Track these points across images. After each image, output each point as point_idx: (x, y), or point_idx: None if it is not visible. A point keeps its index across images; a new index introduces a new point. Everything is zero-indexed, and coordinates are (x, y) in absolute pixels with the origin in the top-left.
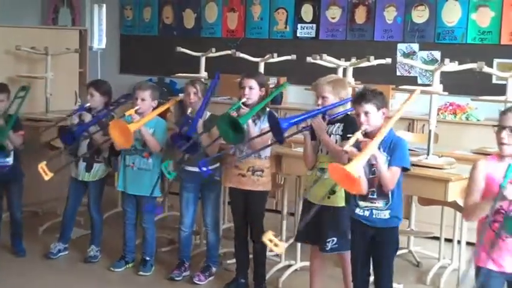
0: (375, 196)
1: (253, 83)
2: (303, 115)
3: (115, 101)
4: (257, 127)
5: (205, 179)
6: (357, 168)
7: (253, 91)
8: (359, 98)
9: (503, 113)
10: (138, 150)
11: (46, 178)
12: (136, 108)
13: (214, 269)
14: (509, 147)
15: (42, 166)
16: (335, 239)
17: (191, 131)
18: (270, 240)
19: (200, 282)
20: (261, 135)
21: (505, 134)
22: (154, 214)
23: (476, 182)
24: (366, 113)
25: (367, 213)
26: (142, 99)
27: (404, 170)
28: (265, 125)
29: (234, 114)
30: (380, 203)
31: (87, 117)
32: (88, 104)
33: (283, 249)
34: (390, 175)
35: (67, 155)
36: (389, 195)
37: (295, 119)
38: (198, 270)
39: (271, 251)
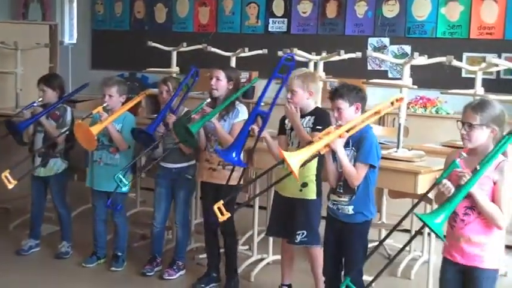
0: (342, 190)
1: (220, 74)
2: (241, 135)
3: (68, 93)
4: (226, 123)
5: (178, 175)
6: (297, 159)
7: (220, 83)
8: (332, 94)
9: (463, 109)
10: (105, 146)
11: (10, 187)
12: (104, 105)
13: (181, 263)
14: (469, 142)
15: (5, 175)
16: (305, 232)
17: (151, 127)
18: (218, 208)
19: (170, 277)
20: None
21: (463, 129)
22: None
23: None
24: (338, 109)
25: (334, 207)
26: (110, 96)
27: (372, 167)
28: (236, 120)
29: (197, 116)
30: (345, 198)
31: (39, 111)
32: (40, 99)
33: (225, 218)
34: (354, 171)
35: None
36: (355, 191)
37: (237, 145)
38: (167, 266)
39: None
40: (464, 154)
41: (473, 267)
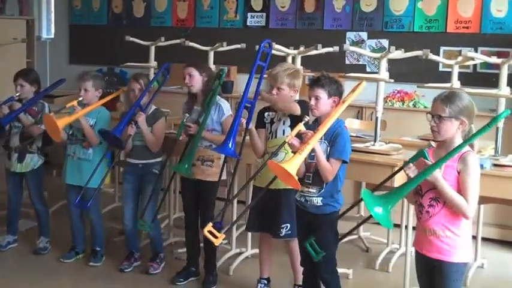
0: (310, 181)
1: (191, 70)
2: (234, 125)
3: (45, 89)
4: (210, 120)
5: (145, 171)
6: (294, 166)
7: (194, 78)
8: (313, 82)
9: (433, 101)
10: (78, 140)
11: None
12: (80, 99)
13: (162, 255)
14: (439, 134)
15: None
16: (289, 225)
17: (118, 130)
18: (210, 232)
19: (156, 271)
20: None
21: (433, 122)
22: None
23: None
24: (317, 98)
25: (302, 198)
26: (85, 90)
27: (344, 162)
28: (223, 117)
29: (183, 137)
30: (313, 189)
31: (17, 107)
32: (17, 94)
33: (220, 241)
34: (329, 166)
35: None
36: (323, 183)
37: (231, 137)
38: (148, 260)
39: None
40: (433, 144)
41: (440, 260)
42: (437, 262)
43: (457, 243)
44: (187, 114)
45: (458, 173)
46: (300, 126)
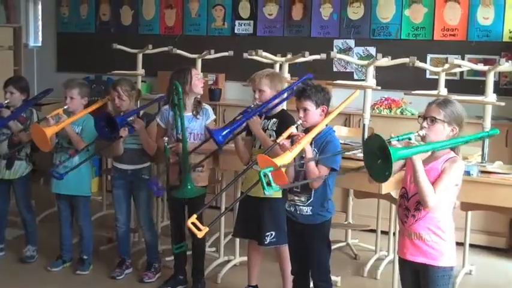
0: (299, 189)
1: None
2: (238, 122)
3: (33, 97)
4: (198, 123)
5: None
6: (283, 161)
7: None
8: (299, 93)
9: (428, 104)
10: (64, 148)
11: None
12: (65, 107)
13: (157, 265)
14: (429, 137)
15: None
16: (273, 232)
17: (119, 117)
18: (193, 223)
19: (150, 280)
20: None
21: (425, 123)
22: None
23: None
24: (305, 109)
25: (292, 208)
26: (71, 98)
27: (333, 170)
28: (208, 121)
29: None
30: (302, 198)
31: (6, 114)
32: (6, 101)
33: (204, 233)
34: (316, 171)
35: None
36: (312, 192)
37: (230, 128)
38: (139, 267)
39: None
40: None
41: (425, 265)
42: (422, 267)
43: (442, 247)
44: (165, 138)
45: (441, 172)
46: (292, 129)
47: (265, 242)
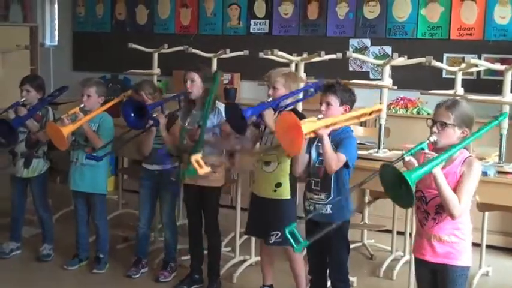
0: (318, 188)
1: (193, 75)
2: (261, 106)
3: (49, 95)
4: (209, 123)
5: (162, 177)
6: (308, 126)
7: (195, 84)
8: (326, 88)
9: (436, 107)
10: (81, 146)
11: None
12: (81, 105)
13: (173, 264)
14: (440, 142)
15: None
16: (279, 232)
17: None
18: (197, 161)
19: (166, 279)
20: None
21: (435, 128)
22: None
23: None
24: (328, 104)
25: (311, 207)
26: (88, 96)
27: (346, 167)
28: (221, 118)
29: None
30: (322, 196)
31: (23, 112)
32: (23, 100)
33: (205, 171)
34: (335, 156)
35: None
36: (331, 189)
37: (254, 108)
38: (154, 267)
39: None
40: (435, 137)
41: (444, 265)
42: (441, 267)
43: (461, 246)
44: (188, 119)
45: (460, 176)
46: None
47: (270, 242)
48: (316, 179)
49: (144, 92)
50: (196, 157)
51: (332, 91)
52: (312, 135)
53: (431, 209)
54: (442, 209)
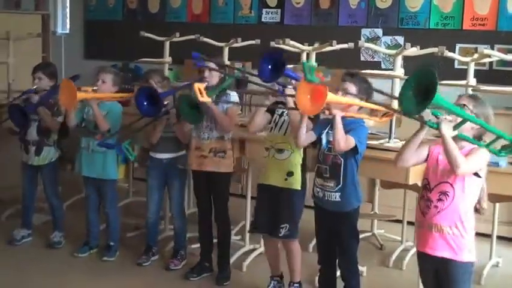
0: (328, 174)
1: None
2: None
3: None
4: (219, 106)
5: (170, 166)
6: (331, 97)
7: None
8: (346, 76)
9: (458, 96)
10: (91, 132)
11: None
12: (95, 88)
13: (183, 252)
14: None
15: None
16: (288, 225)
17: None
18: (199, 89)
19: (176, 267)
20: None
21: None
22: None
23: (422, 145)
24: (345, 91)
25: (321, 194)
26: (103, 81)
27: (355, 153)
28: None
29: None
30: (331, 183)
31: (35, 99)
32: (35, 87)
33: (206, 100)
34: (345, 136)
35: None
36: (341, 177)
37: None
38: (165, 254)
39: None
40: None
41: (447, 259)
42: (442, 261)
43: (463, 241)
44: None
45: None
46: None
47: (280, 234)
48: (325, 166)
49: (154, 80)
50: (199, 86)
51: (352, 80)
52: (327, 113)
53: (434, 195)
54: (445, 197)
